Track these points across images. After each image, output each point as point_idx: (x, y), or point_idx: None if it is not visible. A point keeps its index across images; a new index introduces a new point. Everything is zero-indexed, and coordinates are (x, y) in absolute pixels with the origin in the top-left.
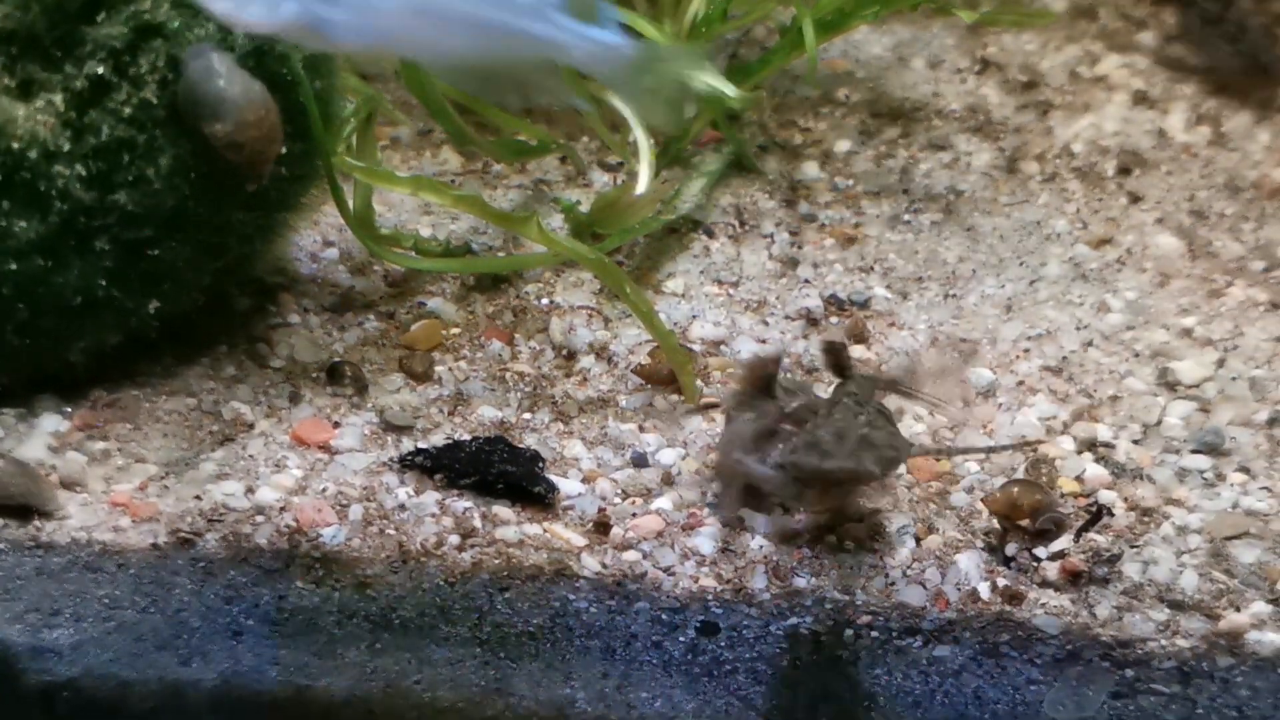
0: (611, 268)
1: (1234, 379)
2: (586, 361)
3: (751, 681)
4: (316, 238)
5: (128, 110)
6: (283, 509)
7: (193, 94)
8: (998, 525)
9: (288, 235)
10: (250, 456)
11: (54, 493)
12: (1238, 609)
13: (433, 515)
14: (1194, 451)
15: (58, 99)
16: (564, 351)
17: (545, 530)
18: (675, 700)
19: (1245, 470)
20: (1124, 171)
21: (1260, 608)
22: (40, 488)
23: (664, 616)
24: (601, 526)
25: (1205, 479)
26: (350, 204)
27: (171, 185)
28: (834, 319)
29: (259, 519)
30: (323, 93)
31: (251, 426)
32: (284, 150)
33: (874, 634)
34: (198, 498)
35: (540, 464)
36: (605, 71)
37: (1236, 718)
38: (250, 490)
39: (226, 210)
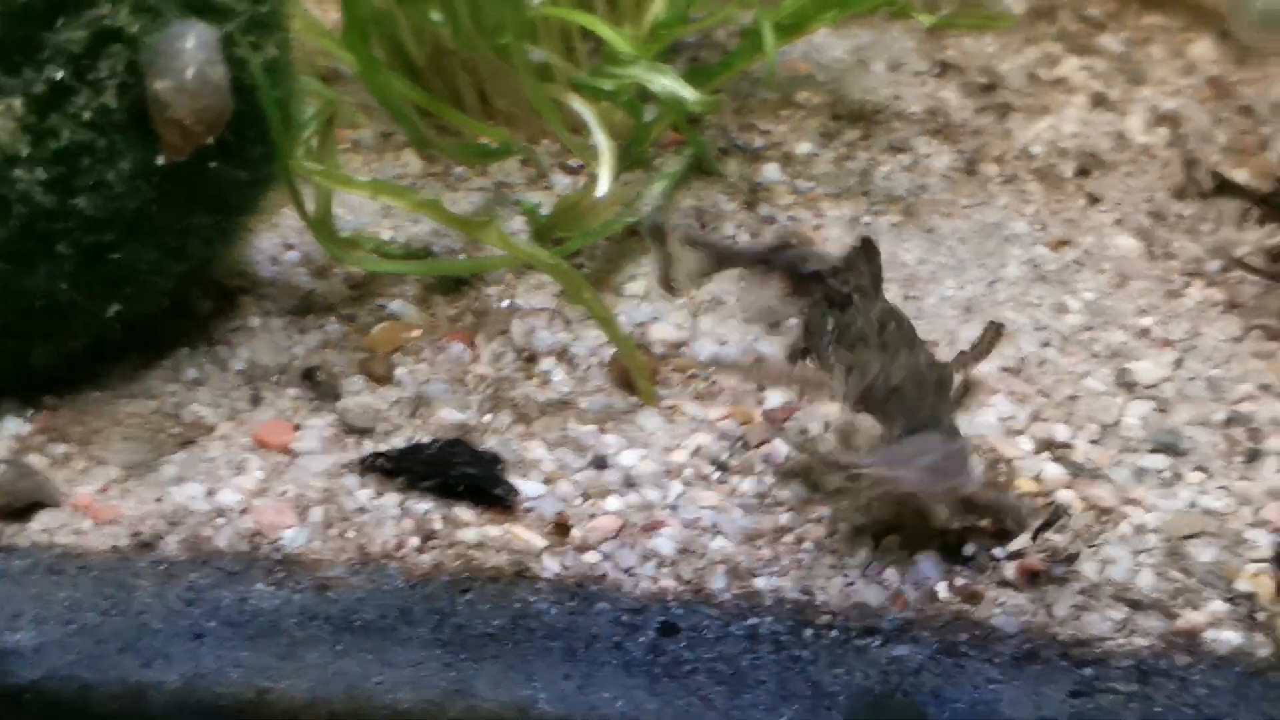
0: (569, 272)
1: (1191, 379)
2: (548, 364)
3: (712, 681)
4: (277, 241)
5: (88, 114)
6: (243, 511)
7: (159, 44)
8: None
9: (248, 238)
10: (211, 459)
11: (54, 485)
12: (1195, 608)
13: (393, 517)
14: (1152, 451)
15: (17, 103)
16: (525, 353)
17: (506, 532)
18: (637, 700)
19: (1203, 470)
20: (1083, 173)
21: (1217, 606)
22: (41, 482)
23: (624, 617)
24: (562, 528)
25: (1163, 478)
26: (310, 207)
27: (133, 189)
28: (793, 320)
29: (220, 521)
30: (281, 97)
31: (212, 429)
32: (210, 142)
33: (833, 633)
34: (158, 500)
35: (501, 466)
36: None
37: (1194, 716)
38: (211, 493)
39: (188, 214)
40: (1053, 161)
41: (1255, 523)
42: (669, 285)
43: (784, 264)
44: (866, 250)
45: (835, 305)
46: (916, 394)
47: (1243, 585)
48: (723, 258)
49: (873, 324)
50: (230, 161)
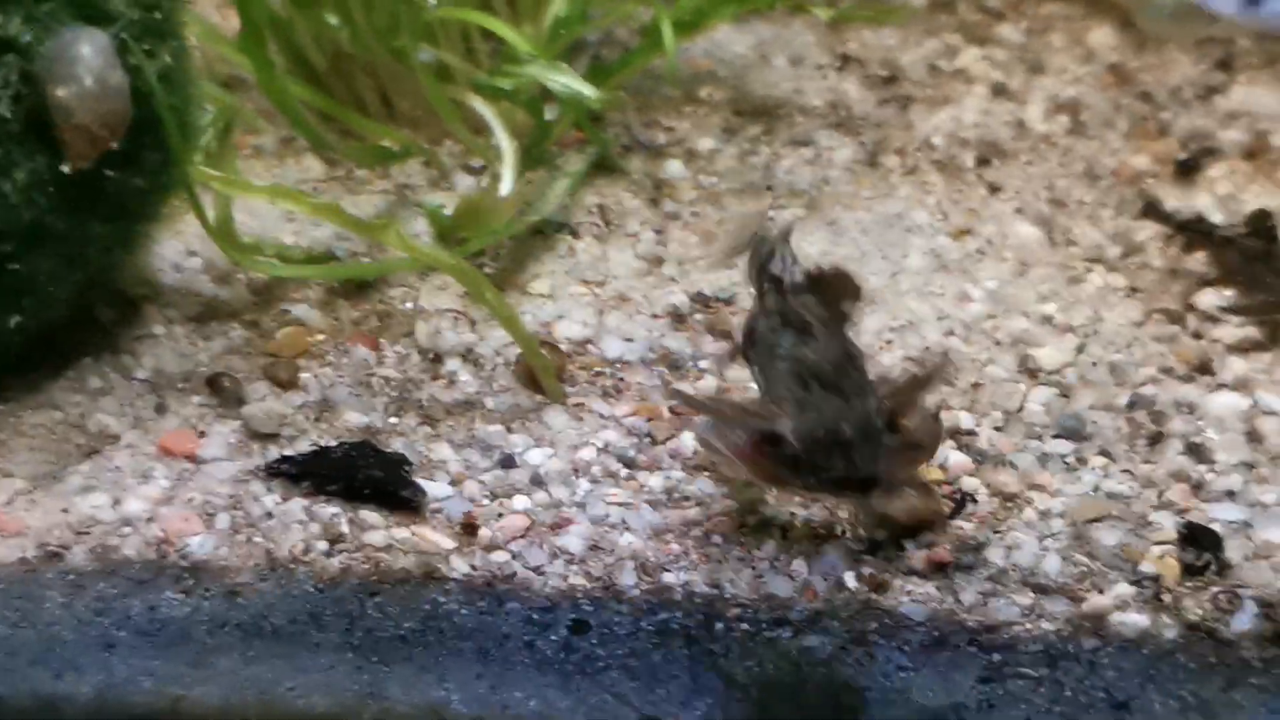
0: (471, 273)
1: (1094, 364)
2: (453, 364)
3: (625, 677)
4: (180, 248)
5: None
6: (150, 520)
7: (55, 51)
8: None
9: (150, 246)
10: (117, 468)
11: None
12: (1101, 591)
13: (300, 522)
14: (1055, 437)
15: None
16: (430, 355)
17: (413, 534)
18: (549, 699)
19: (1106, 454)
20: (983, 162)
21: (1123, 589)
22: None
23: (535, 616)
24: (469, 528)
25: (1067, 464)
26: (211, 214)
27: (28, 200)
28: (699, 315)
29: (126, 530)
30: (179, 103)
31: (117, 438)
32: (114, 147)
33: (744, 626)
34: (65, 511)
35: (407, 468)
36: None
37: (1104, 699)
38: (117, 502)
39: (86, 223)
40: (954, 152)
41: (1159, 505)
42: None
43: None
44: (844, 283)
45: (793, 326)
46: (861, 446)
47: (1148, 567)
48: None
49: (831, 363)
50: (127, 169)
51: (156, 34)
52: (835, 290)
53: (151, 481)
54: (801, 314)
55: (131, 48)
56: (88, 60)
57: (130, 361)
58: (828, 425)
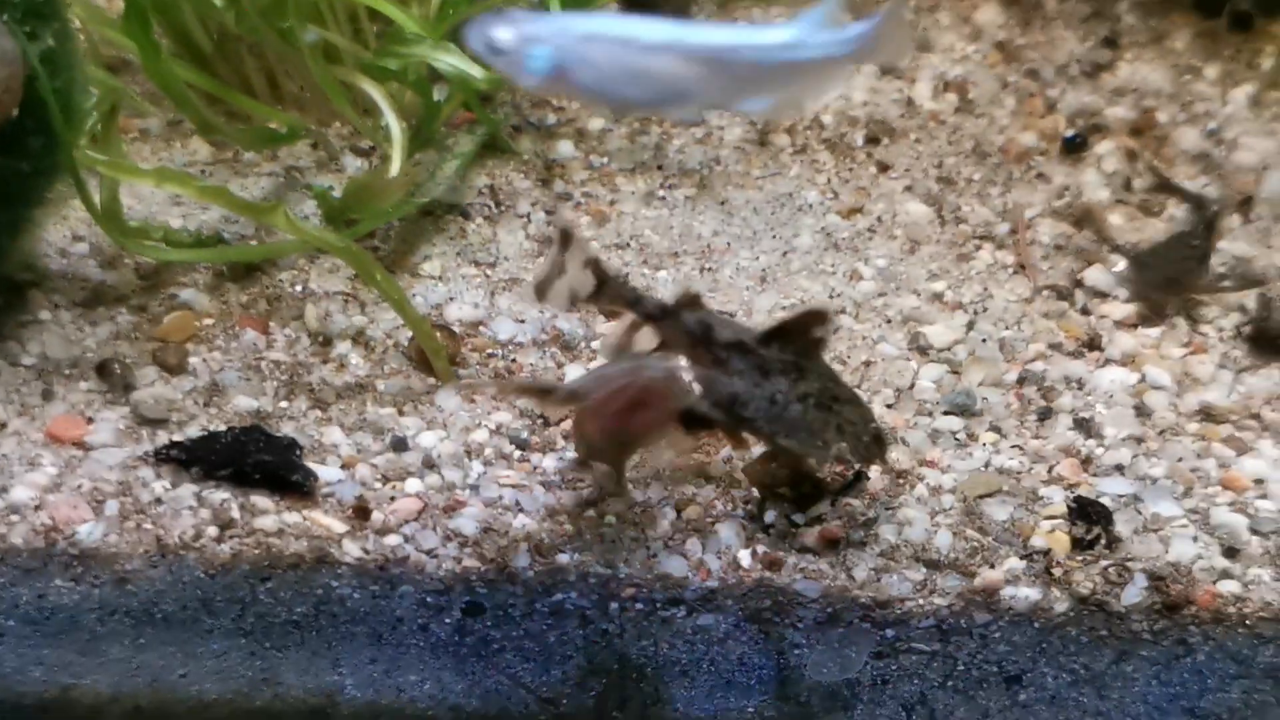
0: (361, 255)
1: (984, 341)
2: (343, 347)
3: (520, 659)
4: (66, 232)
5: None
6: (38, 507)
7: None
8: (756, 493)
9: (35, 231)
10: (4, 456)
11: None
12: (992, 566)
13: (190, 508)
14: (946, 413)
15: None
16: (320, 338)
17: (305, 518)
18: (444, 681)
19: (996, 430)
20: (873, 141)
21: (1014, 564)
22: None
23: (429, 599)
24: (361, 512)
25: (958, 439)
26: (97, 198)
27: None
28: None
29: (14, 518)
30: (63, 86)
31: (4, 426)
32: (15, 114)
33: (639, 606)
34: None
35: (298, 452)
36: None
37: (996, 673)
38: (4, 490)
39: None
40: (843, 130)
41: (1049, 480)
42: (542, 293)
43: (691, 327)
44: (808, 319)
45: (778, 372)
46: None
47: (1038, 542)
48: (617, 297)
49: (830, 381)
50: (11, 154)
51: (39, 16)
52: (801, 328)
53: (39, 469)
54: (780, 360)
55: (14, 30)
56: None
57: (16, 348)
58: (868, 431)
